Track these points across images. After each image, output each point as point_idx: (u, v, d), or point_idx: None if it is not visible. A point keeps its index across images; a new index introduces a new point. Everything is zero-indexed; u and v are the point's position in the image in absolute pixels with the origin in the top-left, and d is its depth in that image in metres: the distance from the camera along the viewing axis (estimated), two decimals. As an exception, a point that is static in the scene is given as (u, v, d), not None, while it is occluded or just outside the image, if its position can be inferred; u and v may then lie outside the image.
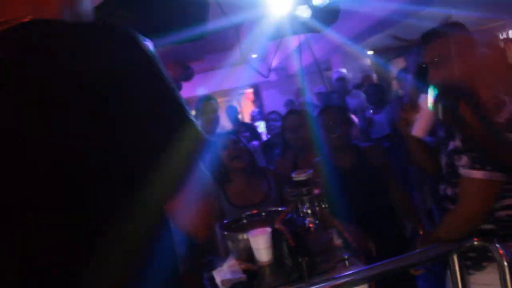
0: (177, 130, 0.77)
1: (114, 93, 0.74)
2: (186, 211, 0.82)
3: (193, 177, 0.80)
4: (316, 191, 1.67)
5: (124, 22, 1.61)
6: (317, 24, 2.74)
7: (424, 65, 1.66)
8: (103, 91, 0.73)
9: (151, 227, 0.81)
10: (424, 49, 1.66)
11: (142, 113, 0.76)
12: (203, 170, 0.84)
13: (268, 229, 1.52)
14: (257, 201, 2.29)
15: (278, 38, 2.87)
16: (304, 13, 2.97)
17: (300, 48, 2.81)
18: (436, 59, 1.60)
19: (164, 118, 0.78)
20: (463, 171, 1.51)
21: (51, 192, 0.74)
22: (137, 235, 0.78)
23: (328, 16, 2.70)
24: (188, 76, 7.14)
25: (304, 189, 1.63)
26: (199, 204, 0.83)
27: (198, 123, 0.83)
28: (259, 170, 2.46)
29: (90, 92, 0.73)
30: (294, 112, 2.94)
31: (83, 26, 0.80)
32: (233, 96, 9.35)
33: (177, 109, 0.80)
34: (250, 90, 9.45)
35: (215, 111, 3.35)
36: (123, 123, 0.74)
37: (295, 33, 2.89)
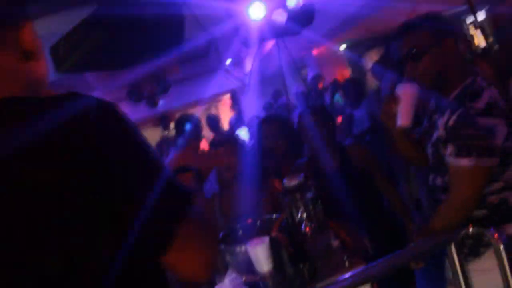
0: (157, 191, 0.77)
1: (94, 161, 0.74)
2: (183, 260, 0.81)
3: (184, 228, 0.79)
4: (308, 195, 1.67)
5: (98, 44, 1.59)
6: (293, 26, 2.76)
7: (401, 59, 1.66)
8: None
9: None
10: (400, 42, 1.66)
11: (122, 179, 0.76)
12: (195, 217, 0.82)
13: (266, 238, 1.51)
14: (245, 211, 2.26)
15: (255, 44, 2.88)
16: (280, 17, 2.98)
17: (278, 50, 2.83)
18: (413, 52, 1.61)
19: (142, 182, 0.77)
20: (450, 160, 1.52)
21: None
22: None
23: (303, 17, 2.72)
24: (164, 89, 7.10)
25: (297, 194, 1.62)
26: (197, 250, 0.82)
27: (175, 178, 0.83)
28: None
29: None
30: (268, 120, 2.82)
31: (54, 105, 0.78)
32: (211, 104, 9.29)
33: (154, 172, 0.80)
34: (228, 96, 9.42)
35: (199, 131, 3.33)
36: (104, 191, 0.74)
37: (272, 37, 2.90)
